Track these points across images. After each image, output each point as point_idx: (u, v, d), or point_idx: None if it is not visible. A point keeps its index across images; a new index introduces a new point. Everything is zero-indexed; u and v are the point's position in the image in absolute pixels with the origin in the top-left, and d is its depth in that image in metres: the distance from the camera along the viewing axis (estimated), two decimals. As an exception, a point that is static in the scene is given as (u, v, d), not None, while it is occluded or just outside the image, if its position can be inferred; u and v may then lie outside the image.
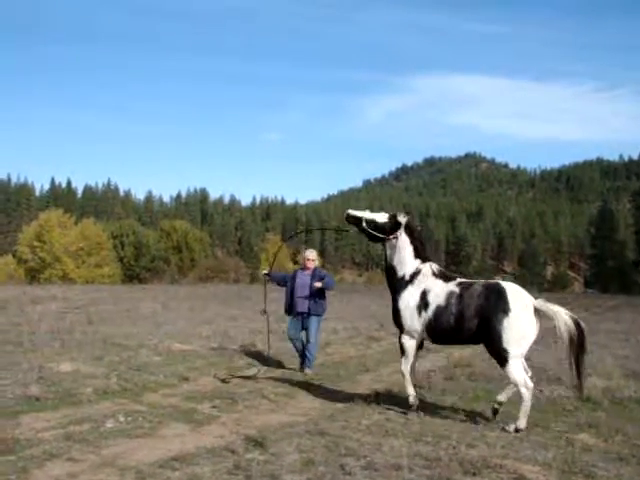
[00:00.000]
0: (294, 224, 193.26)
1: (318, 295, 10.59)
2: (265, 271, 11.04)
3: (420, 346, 7.86)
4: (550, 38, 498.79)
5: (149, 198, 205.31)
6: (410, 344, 7.63)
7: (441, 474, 5.30)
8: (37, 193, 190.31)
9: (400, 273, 7.67)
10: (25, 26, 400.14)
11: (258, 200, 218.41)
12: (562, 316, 6.97)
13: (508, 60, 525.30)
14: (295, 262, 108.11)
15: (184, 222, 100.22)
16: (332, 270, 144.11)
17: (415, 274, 7.58)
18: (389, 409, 7.87)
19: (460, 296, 7.24)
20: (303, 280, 10.74)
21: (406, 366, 7.65)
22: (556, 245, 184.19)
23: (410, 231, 7.72)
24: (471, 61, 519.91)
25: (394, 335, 16.27)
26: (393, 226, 7.73)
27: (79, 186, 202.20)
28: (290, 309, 10.72)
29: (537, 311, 6.99)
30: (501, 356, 6.98)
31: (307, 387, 9.35)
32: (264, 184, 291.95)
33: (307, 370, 10.54)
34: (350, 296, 38.24)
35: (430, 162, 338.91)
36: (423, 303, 7.40)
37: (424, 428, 6.92)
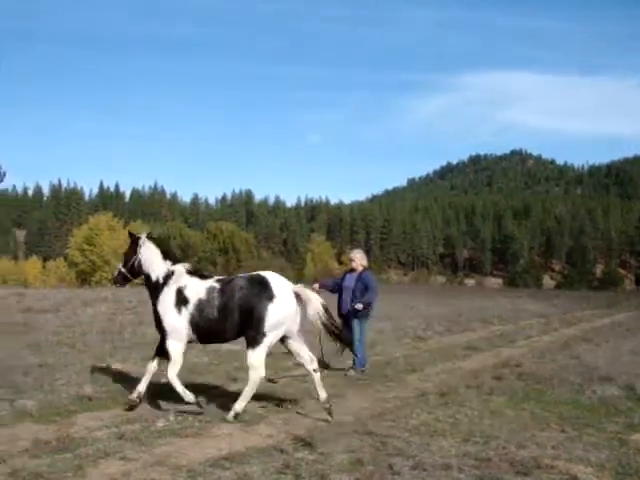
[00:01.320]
0: (339, 224, 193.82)
1: (361, 295, 10.53)
2: (316, 286, 10.99)
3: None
4: (596, 32, 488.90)
5: (195, 200, 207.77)
6: (176, 348, 7.40)
7: (491, 474, 5.26)
8: (87, 197, 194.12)
9: (154, 277, 7.67)
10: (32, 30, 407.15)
11: (303, 201, 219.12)
12: (314, 302, 7.43)
13: (554, 55, 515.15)
14: (340, 262, 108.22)
15: (230, 224, 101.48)
16: (377, 270, 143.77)
17: (168, 275, 7.59)
18: (437, 409, 7.81)
19: (221, 290, 7.36)
20: (349, 282, 10.74)
21: (173, 372, 7.38)
22: (606, 242, 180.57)
23: (153, 240, 7.86)
24: (517, 57, 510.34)
25: (441, 334, 16.32)
26: (135, 244, 7.84)
27: (127, 190, 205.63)
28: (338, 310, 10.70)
29: (298, 297, 7.42)
30: (255, 340, 7.16)
31: (355, 387, 9.36)
32: (309, 185, 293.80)
33: (350, 371, 10.44)
34: (396, 296, 38.11)
35: (476, 160, 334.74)
36: (181, 299, 7.38)
37: (473, 428, 6.86)
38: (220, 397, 8.25)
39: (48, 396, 7.71)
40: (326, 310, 7.53)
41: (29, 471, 5.14)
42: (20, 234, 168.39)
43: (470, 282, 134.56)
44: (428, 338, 15.61)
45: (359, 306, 10.37)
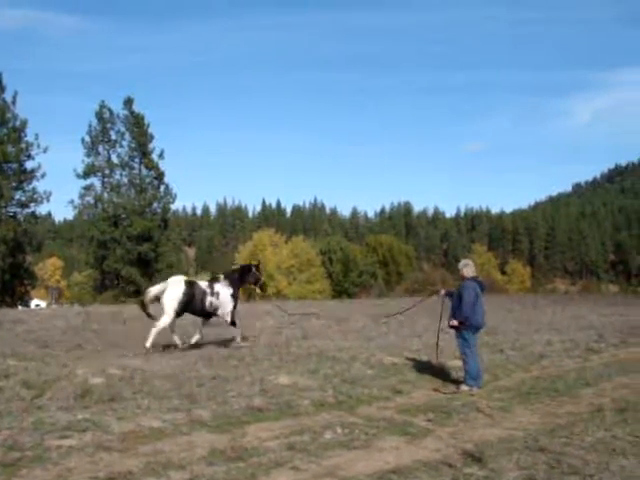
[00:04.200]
0: (500, 234, 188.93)
1: (457, 310, 10.16)
2: (442, 292, 10.98)
3: None
4: None
5: (354, 214, 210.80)
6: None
7: (681, 498, 4.88)
8: (250, 214, 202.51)
9: None
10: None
11: (462, 211, 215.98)
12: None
13: None
14: (503, 272, 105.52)
15: (389, 236, 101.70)
16: (543, 279, 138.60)
17: None
18: (615, 426, 7.37)
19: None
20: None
21: None
22: None
23: None
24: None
25: (615, 347, 15.41)
26: None
27: (288, 206, 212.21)
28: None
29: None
30: None
31: (524, 401, 9.06)
32: (468, 194, 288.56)
33: (462, 386, 9.95)
34: (564, 306, 36.47)
35: None
36: None
37: (657, 447, 6.40)
38: (384, 409, 8.26)
39: (221, 407, 8.05)
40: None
41: (207, 477, 5.43)
42: (190, 252, 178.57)
43: None
44: (601, 350, 14.73)
45: (453, 323, 10.13)
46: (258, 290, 15.97)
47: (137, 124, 52.40)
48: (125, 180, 52.80)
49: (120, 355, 12.57)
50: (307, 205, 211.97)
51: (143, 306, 13.83)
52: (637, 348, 15.55)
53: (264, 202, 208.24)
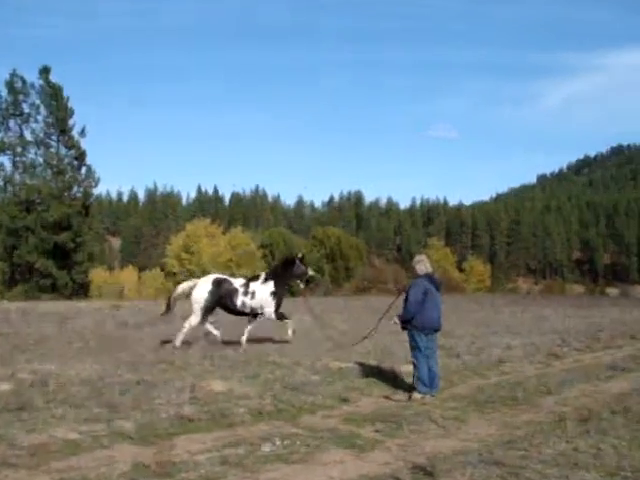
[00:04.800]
0: (459, 227, 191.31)
1: (403, 309, 10.37)
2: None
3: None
4: None
5: (299, 204, 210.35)
6: None
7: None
8: (184, 202, 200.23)
9: None
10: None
11: (418, 202, 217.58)
12: None
13: None
14: (461, 270, 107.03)
15: (338, 229, 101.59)
16: (504, 278, 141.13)
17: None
18: (577, 437, 7.54)
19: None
20: None
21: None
22: None
23: None
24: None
25: (579, 352, 15.82)
26: None
27: (226, 193, 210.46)
28: None
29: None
30: None
31: (480, 410, 9.20)
32: (424, 184, 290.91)
33: (414, 394, 10.01)
34: (525, 307, 37.24)
35: (618, 151, 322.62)
36: None
37: (620, 461, 6.59)
38: (328, 419, 8.31)
39: (146, 416, 7.96)
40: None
41: (129, 495, 5.35)
42: (115, 242, 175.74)
43: (613, 292, 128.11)
44: (564, 356, 15.07)
45: (395, 321, 10.44)
46: (302, 285, 16.38)
47: (54, 96, 51.19)
48: (40, 160, 51.70)
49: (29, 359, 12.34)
50: (247, 193, 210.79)
51: (168, 303, 15.33)
52: (602, 353, 16.00)
53: (199, 188, 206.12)
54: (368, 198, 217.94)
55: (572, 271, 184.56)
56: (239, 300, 15.01)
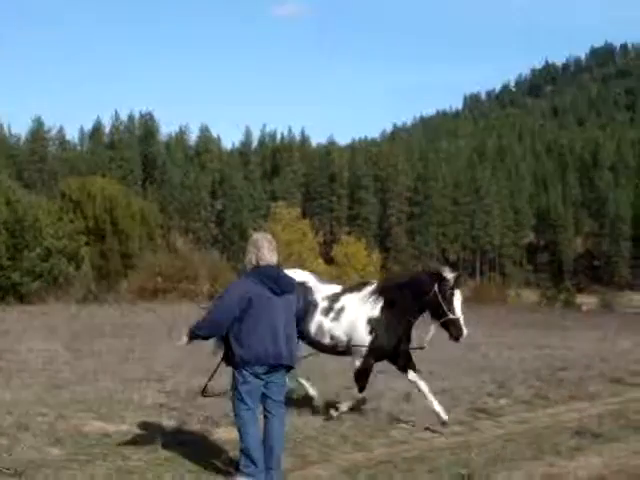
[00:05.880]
0: (328, 184, 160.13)
1: None
2: None
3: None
4: None
5: (34, 134, 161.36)
6: None
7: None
8: None
9: None
10: None
11: (255, 139, 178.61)
12: None
13: None
14: (328, 255, 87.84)
15: (109, 181, 75.91)
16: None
17: None
18: None
19: None
20: None
21: None
22: None
23: None
24: None
25: (527, 405, 13.61)
26: None
27: None
28: None
29: None
30: None
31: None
32: (268, 108, 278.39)
33: (237, 478, 7.94)
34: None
35: (603, 57, 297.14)
36: None
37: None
38: None
39: None
40: None
41: None
42: None
43: (590, 302, 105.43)
44: (501, 412, 12.97)
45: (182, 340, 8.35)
46: (430, 332, 11.24)
47: None
48: None
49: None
50: None
51: None
52: (564, 408, 13.91)
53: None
54: (165, 127, 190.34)
55: (520, 264, 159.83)
56: (315, 321, 11.44)
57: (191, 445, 9.44)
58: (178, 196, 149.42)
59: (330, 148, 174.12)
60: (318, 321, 11.29)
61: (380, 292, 11.21)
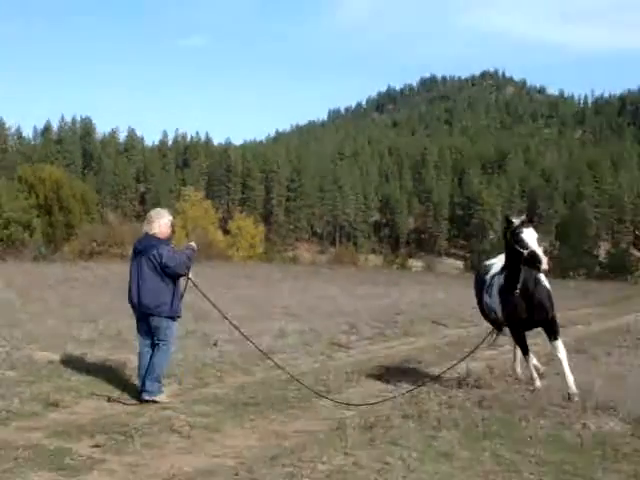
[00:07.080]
0: (225, 174, 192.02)
1: None
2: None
3: None
4: None
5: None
6: None
7: None
8: None
9: None
10: None
11: (171, 138, 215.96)
12: None
13: None
14: (226, 232, 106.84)
15: (57, 168, 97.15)
16: (282, 244, 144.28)
17: None
18: (359, 448, 7.76)
19: None
20: None
21: None
22: (616, 211, 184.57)
23: None
24: None
25: (370, 341, 16.50)
26: None
27: None
28: None
29: None
30: None
31: (240, 416, 9.27)
32: (179, 115, 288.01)
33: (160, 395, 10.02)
34: (307, 282, 38.16)
35: (429, 84, 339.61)
36: None
37: (410, 477, 6.86)
38: (28, 431, 8.00)
39: None
40: None
41: None
42: None
43: (417, 265, 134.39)
44: (351, 346, 15.74)
45: None
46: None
47: None
48: None
49: None
50: None
51: None
52: (396, 342, 16.78)
53: None
54: (102, 129, 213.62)
55: (368, 237, 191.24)
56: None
57: (115, 371, 11.30)
58: (110, 181, 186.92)
59: (227, 147, 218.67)
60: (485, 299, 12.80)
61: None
